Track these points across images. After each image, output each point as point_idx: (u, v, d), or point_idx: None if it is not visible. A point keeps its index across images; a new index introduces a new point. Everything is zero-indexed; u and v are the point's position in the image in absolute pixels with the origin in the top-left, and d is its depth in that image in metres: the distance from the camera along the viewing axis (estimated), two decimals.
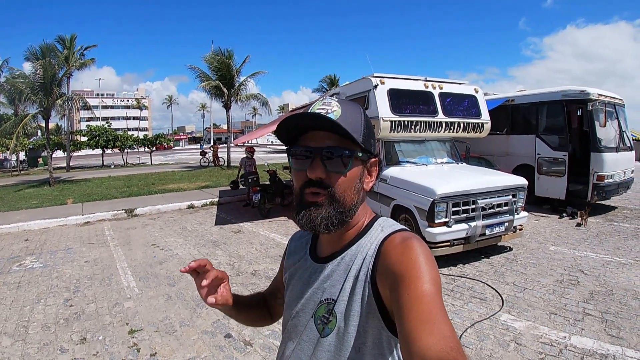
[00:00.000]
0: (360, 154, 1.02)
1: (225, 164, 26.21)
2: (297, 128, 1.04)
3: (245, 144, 15.01)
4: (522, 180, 6.81)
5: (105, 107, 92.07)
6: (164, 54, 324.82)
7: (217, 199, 13.15)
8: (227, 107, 25.13)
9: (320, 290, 1.07)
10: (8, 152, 27.65)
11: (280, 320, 1.32)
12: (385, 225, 1.07)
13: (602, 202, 10.62)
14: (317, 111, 1.00)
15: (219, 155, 28.62)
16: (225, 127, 31.73)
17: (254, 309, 1.39)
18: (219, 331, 4.43)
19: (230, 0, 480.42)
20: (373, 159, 1.09)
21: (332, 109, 1.00)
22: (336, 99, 1.05)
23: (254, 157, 12.19)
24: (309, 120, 1.00)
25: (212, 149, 29.41)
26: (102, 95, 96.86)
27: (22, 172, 30.12)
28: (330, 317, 1.01)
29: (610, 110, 9.79)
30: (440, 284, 0.87)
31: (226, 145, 28.49)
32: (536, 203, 10.29)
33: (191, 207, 12.42)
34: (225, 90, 23.99)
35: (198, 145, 71.14)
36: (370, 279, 0.97)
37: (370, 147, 1.06)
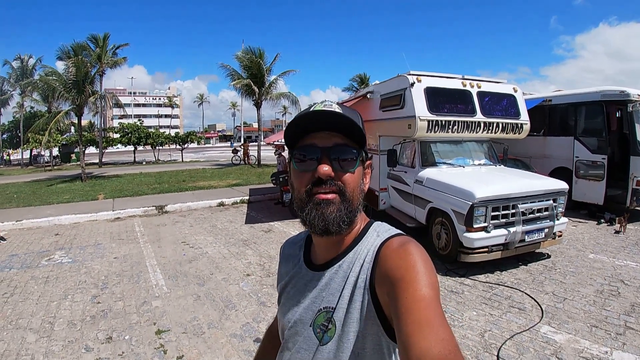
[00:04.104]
0: (363, 154, 1.04)
1: (256, 162, 26.28)
2: (299, 129, 1.02)
3: (274, 143, 15.06)
4: (563, 185, 6.56)
5: (137, 105, 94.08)
6: (194, 53, 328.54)
7: (247, 197, 13.19)
8: (257, 105, 25.36)
9: (318, 299, 1.06)
10: (41, 147, 28.31)
11: None
12: (381, 230, 1.07)
13: None
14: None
15: (250, 154, 28.75)
16: (255, 125, 32.01)
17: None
18: (248, 335, 4.36)
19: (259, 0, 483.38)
20: (368, 162, 1.09)
21: (335, 110, 1.01)
22: (336, 103, 1.05)
23: (282, 155, 12.15)
24: (324, 117, 0.99)
25: (242, 147, 29.55)
26: (134, 93, 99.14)
27: (55, 167, 31.02)
28: (329, 325, 1.00)
29: None
30: (439, 288, 0.86)
31: (256, 143, 28.62)
32: (573, 208, 9.95)
33: (221, 205, 12.48)
34: (256, 89, 24.19)
35: (228, 144, 72.06)
36: (369, 286, 0.96)
37: (367, 149, 1.09)
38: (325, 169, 0.96)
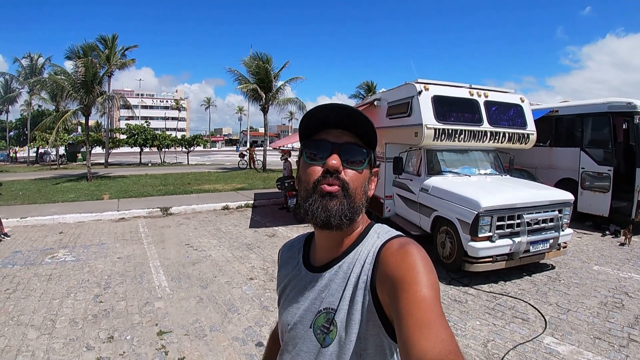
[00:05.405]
0: (372, 157, 1.07)
1: (262, 167, 26.33)
2: (314, 123, 1.06)
3: (280, 148, 15.10)
4: (568, 195, 6.54)
5: (144, 107, 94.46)
6: (201, 57, 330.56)
7: (252, 202, 13.17)
8: (264, 110, 25.33)
9: (318, 300, 1.06)
10: (48, 146, 28.43)
11: None
12: (381, 232, 1.08)
13: None
14: None
15: (256, 158, 28.77)
16: (262, 130, 32.10)
17: None
18: (250, 339, 4.35)
19: (266, 4, 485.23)
20: (375, 169, 1.11)
21: (351, 106, 1.04)
22: (353, 107, 1.06)
23: (288, 160, 12.15)
24: (339, 112, 1.02)
25: (248, 151, 29.59)
26: (141, 95, 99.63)
27: (61, 166, 31.09)
28: (330, 326, 1.01)
29: None
30: (439, 289, 0.87)
31: (262, 148, 28.62)
32: (578, 219, 9.90)
33: (226, 208, 12.48)
34: (263, 94, 24.16)
35: (234, 148, 72.51)
36: (370, 287, 0.97)
37: (376, 157, 1.11)
38: (333, 162, 0.98)
